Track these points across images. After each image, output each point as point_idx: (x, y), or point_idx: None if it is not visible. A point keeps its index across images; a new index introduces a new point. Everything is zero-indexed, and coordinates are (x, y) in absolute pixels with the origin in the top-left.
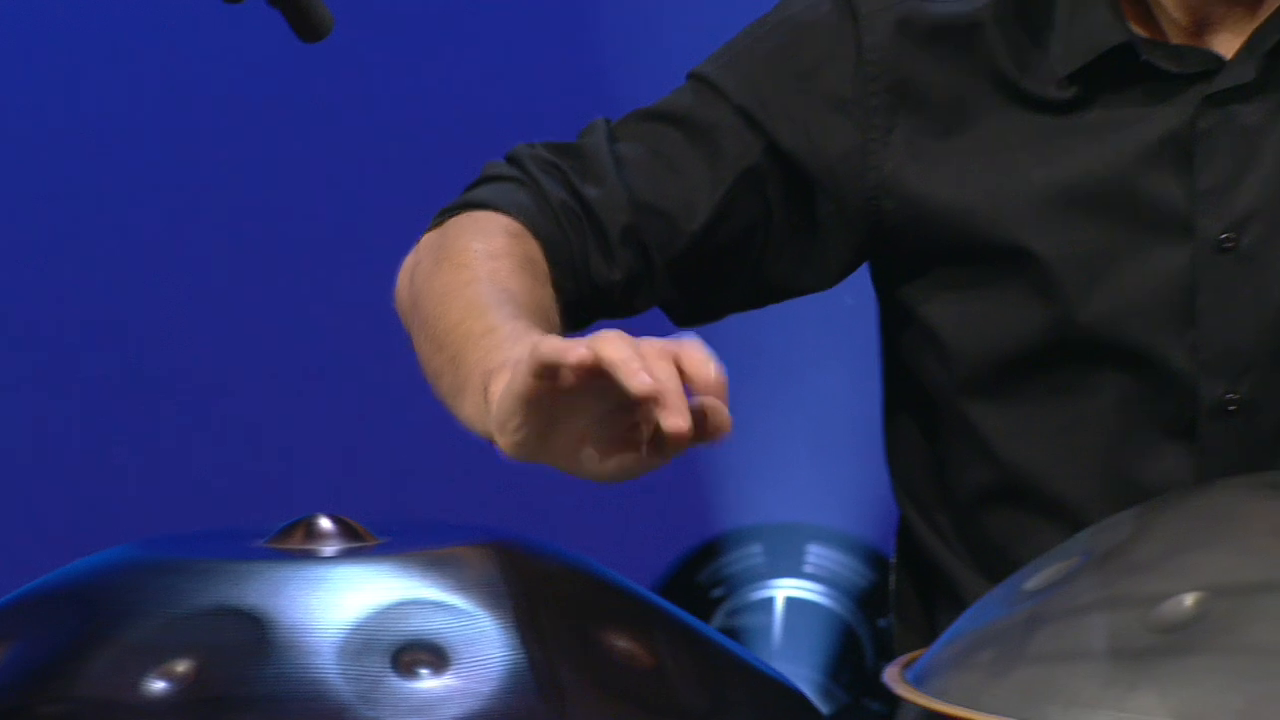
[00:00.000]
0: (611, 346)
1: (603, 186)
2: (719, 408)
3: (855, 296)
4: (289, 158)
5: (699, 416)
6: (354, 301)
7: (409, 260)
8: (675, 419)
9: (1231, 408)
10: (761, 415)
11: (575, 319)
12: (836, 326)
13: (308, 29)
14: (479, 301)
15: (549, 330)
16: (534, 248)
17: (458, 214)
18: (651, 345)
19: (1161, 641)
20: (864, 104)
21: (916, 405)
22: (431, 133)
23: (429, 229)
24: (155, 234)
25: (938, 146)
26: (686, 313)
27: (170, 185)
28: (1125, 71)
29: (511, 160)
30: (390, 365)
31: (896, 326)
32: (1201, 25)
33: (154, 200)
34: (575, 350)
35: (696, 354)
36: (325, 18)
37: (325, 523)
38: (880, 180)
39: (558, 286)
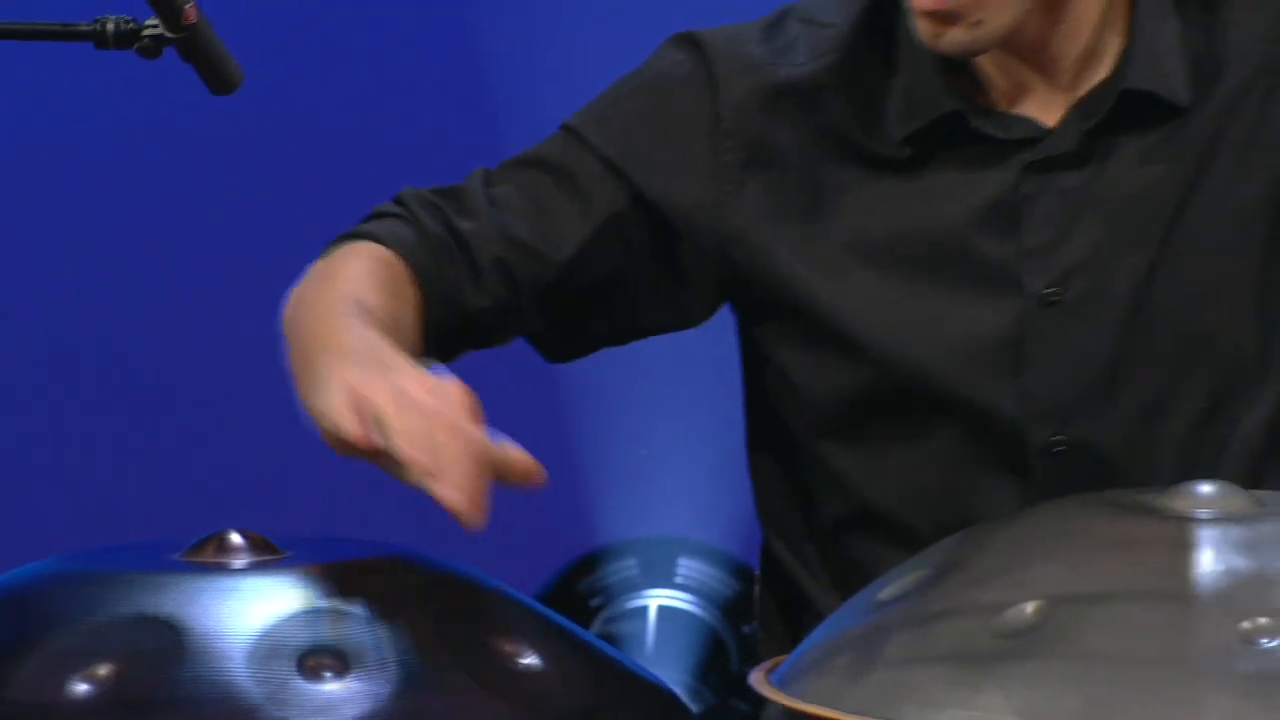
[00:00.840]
0: (397, 435)
1: (476, 221)
2: (521, 458)
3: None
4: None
5: (504, 465)
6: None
7: (298, 286)
8: (447, 493)
9: (1059, 449)
10: (636, 440)
11: (446, 348)
12: (700, 365)
13: (219, 83)
14: (341, 314)
15: (404, 345)
16: (404, 274)
17: (342, 244)
18: (440, 416)
19: (1005, 646)
20: (718, 159)
21: (777, 440)
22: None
23: (320, 257)
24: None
25: (785, 202)
26: (555, 347)
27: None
28: (956, 135)
29: (397, 200)
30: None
31: (757, 365)
32: (1022, 92)
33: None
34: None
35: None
36: (235, 73)
37: (235, 538)
38: (731, 231)
39: (432, 315)
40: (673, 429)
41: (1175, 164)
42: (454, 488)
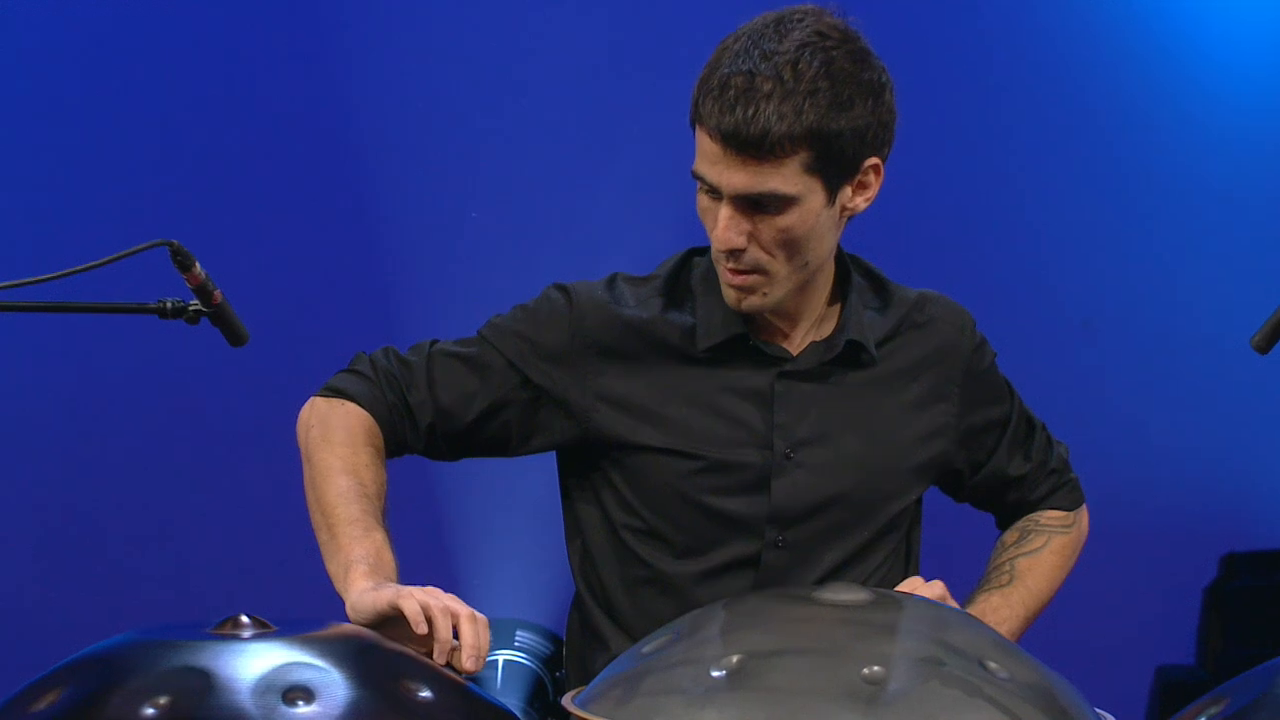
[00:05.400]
0: (411, 606)
1: (417, 394)
2: (477, 658)
3: None
4: None
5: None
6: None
7: (304, 413)
8: (440, 658)
9: (780, 545)
10: (494, 550)
11: (397, 455)
12: (522, 494)
13: (235, 338)
14: (346, 493)
15: (381, 496)
16: (375, 430)
17: (333, 396)
18: (444, 608)
19: (720, 683)
20: (582, 356)
21: (592, 526)
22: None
23: (319, 392)
24: None
25: (629, 382)
26: (449, 458)
27: None
28: (739, 347)
29: (372, 360)
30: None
31: (588, 472)
32: (777, 331)
33: None
34: (396, 605)
35: (474, 629)
36: (244, 332)
37: (244, 619)
38: (595, 399)
39: (388, 446)
40: (513, 543)
41: (867, 390)
42: (444, 655)
